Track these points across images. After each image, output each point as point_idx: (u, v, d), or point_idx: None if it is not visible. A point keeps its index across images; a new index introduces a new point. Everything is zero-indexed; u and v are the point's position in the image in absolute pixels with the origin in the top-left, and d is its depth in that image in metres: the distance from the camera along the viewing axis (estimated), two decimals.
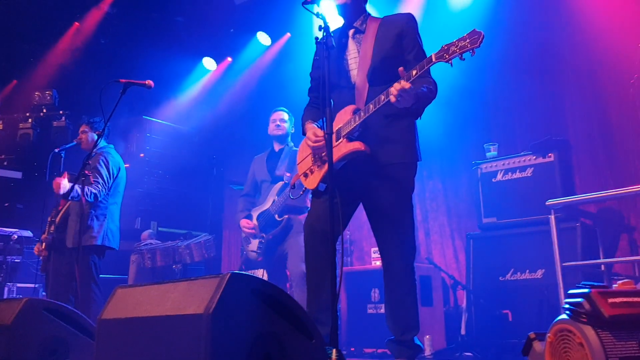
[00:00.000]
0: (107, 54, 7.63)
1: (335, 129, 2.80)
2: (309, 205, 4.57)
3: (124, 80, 3.72)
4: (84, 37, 7.52)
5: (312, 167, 2.95)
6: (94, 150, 4.53)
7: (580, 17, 4.97)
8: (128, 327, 2.17)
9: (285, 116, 4.71)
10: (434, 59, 2.47)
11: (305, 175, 3.00)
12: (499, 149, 4.65)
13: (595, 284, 1.78)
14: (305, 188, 3.04)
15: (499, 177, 4.35)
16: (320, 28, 2.54)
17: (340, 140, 2.78)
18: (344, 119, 2.79)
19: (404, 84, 2.47)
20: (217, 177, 7.55)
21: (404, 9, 5.83)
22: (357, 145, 2.72)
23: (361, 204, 2.95)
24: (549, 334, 1.89)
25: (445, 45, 2.44)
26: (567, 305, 1.83)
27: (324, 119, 2.42)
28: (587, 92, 4.90)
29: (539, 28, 5.16)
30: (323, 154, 2.87)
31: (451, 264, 5.55)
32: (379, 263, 4.89)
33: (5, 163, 7.53)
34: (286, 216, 4.42)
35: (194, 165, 7.74)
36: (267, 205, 4.53)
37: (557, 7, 5.12)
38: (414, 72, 2.50)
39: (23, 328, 2.61)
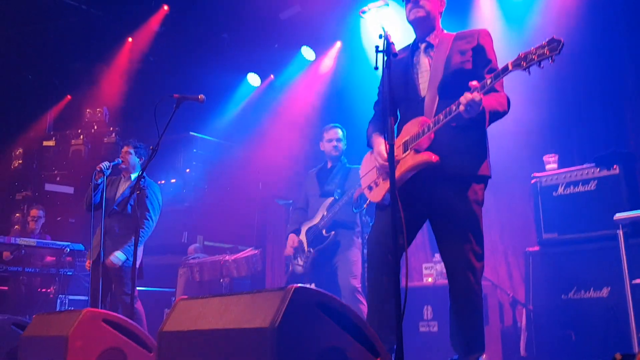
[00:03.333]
0: (155, 71, 7.78)
1: (402, 141, 2.75)
2: (357, 221, 4.53)
3: (177, 96, 3.74)
4: (133, 55, 7.70)
5: (377, 180, 2.90)
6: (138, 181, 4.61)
7: None
8: (189, 340, 2.14)
9: (341, 134, 4.62)
10: (510, 67, 2.40)
11: (370, 188, 2.95)
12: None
13: None
14: (369, 201, 2.98)
15: (560, 190, 4.18)
16: (380, 36, 2.48)
17: (407, 152, 2.71)
18: (412, 131, 2.72)
19: (474, 96, 2.42)
20: (262, 192, 7.56)
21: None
22: (426, 156, 2.64)
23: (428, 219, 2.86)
24: (639, 355, 1.75)
25: (523, 53, 2.37)
26: None
27: (387, 129, 2.37)
28: None
29: (601, 36, 4.98)
30: None
31: (504, 281, 5.34)
32: (430, 280, 4.78)
33: (57, 178, 7.75)
34: (333, 232, 4.39)
35: (239, 180, 7.77)
36: (316, 220, 4.50)
37: (620, 15, 4.94)
38: (488, 80, 2.44)
39: (82, 339, 2.62)
